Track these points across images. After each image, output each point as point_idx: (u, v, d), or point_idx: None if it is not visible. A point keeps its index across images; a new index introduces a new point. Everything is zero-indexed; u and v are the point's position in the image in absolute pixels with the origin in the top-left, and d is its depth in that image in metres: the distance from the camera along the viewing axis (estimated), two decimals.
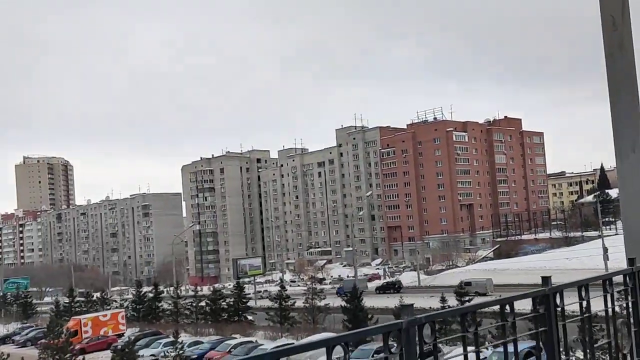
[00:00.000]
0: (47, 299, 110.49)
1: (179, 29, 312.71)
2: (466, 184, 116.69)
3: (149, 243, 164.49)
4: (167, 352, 44.23)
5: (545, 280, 2.95)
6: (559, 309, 2.99)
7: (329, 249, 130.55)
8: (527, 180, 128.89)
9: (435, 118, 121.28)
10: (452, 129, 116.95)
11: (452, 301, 39.40)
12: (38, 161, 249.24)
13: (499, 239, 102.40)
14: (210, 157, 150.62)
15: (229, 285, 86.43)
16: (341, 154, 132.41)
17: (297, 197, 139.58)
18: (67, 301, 70.87)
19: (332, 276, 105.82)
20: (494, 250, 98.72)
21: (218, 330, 51.46)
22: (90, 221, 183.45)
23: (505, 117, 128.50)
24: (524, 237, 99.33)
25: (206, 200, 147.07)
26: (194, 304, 56.01)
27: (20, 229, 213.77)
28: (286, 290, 50.68)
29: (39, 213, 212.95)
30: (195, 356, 41.86)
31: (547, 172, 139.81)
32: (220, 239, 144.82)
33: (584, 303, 3.19)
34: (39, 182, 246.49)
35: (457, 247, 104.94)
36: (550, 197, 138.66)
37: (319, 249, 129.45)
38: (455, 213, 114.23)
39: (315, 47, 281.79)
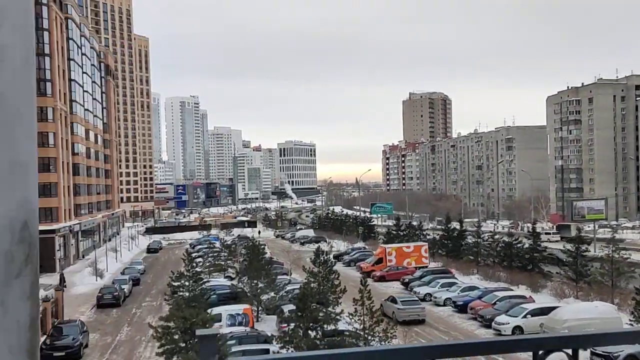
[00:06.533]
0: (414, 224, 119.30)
1: None
2: None
3: (512, 177, 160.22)
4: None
5: None
6: None
7: None
8: None
9: None
10: None
11: None
12: (421, 97, 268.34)
13: None
14: (580, 85, 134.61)
15: (588, 227, 76.90)
16: None
17: None
18: (395, 228, 75.03)
19: None
20: None
21: (509, 277, 46.93)
22: (459, 153, 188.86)
23: None
24: None
25: (571, 133, 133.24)
26: (493, 245, 52.19)
27: (403, 159, 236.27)
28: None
29: (417, 145, 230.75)
30: (461, 303, 39.19)
31: None
32: (585, 176, 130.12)
33: None
34: (421, 115, 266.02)
35: None
36: None
37: None
38: None
39: None
